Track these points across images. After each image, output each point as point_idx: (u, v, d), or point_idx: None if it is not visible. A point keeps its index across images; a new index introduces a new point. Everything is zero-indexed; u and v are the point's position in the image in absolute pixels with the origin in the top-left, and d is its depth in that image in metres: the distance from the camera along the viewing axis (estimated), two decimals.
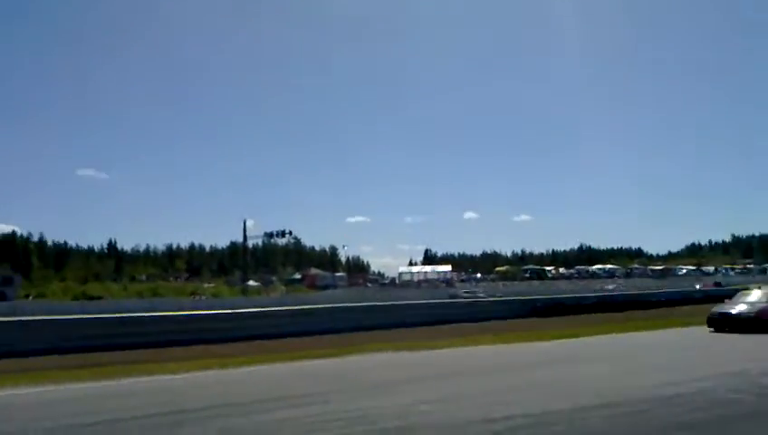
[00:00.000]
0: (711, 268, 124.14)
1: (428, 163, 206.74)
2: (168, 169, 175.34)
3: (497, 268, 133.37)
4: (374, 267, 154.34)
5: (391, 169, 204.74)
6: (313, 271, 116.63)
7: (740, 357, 13.37)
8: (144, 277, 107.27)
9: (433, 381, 10.83)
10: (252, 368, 12.97)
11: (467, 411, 7.95)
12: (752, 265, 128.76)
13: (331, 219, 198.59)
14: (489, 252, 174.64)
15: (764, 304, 19.10)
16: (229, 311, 24.06)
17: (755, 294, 20.23)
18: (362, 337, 19.31)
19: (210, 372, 12.25)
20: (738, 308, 19.47)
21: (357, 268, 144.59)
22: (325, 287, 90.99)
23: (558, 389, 9.70)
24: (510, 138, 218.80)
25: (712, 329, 19.38)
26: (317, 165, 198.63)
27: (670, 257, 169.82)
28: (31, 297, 64.52)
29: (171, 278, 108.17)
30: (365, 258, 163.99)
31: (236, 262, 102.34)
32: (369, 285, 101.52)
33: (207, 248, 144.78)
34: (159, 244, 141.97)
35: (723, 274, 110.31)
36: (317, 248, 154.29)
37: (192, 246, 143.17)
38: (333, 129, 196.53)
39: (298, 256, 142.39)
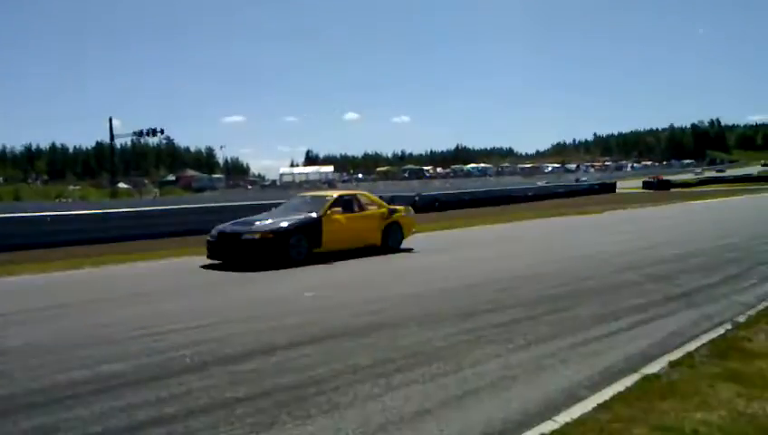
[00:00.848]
0: (573, 166, 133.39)
1: (308, 63, 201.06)
2: (25, 62, 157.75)
3: (378, 168, 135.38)
4: (254, 169, 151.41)
5: (269, 68, 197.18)
6: (189, 172, 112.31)
7: (597, 241, 14.68)
8: (1, 180, 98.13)
9: (317, 271, 10.97)
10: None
11: (349, 295, 8.20)
12: (609, 163, 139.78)
13: (205, 119, 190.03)
14: (371, 153, 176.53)
15: None
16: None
17: None
18: None
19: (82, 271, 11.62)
20: None
21: (236, 170, 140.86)
22: (202, 189, 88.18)
23: (432, 274, 10.19)
24: (390, 38, 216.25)
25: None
26: (189, 62, 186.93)
27: (538, 156, 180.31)
28: None
29: (30, 181, 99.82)
30: (244, 160, 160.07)
31: (104, 164, 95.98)
32: (250, 187, 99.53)
33: (71, 150, 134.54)
34: (17, 144, 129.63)
35: (584, 170, 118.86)
36: (192, 150, 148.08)
37: (54, 147, 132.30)
38: (204, 23, 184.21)
39: (172, 157, 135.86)
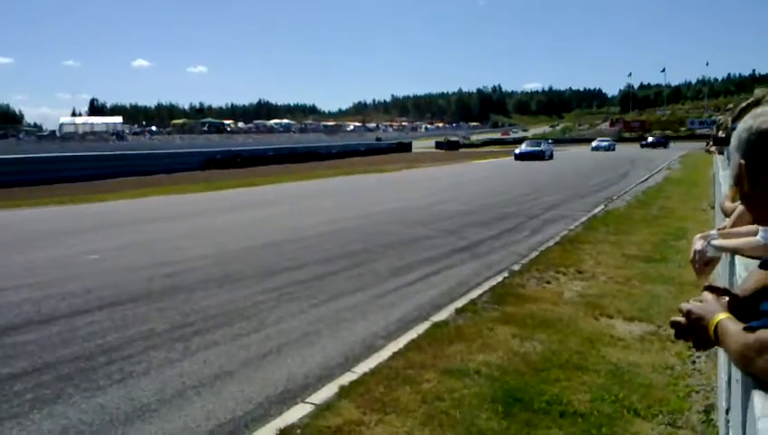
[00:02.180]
0: (374, 125, 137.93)
1: (89, 1, 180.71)
2: None
3: (174, 121, 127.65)
4: (30, 118, 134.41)
5: (42, 4, 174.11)
6: None
7: (393, 198, 15.40)
8: None
9: (105, 231, 10.11)
10: None
11: (139, 257, 7.69)
12: (406, 124, 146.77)
13: None
14: (165, 104, 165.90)
15: None
16: None
17: None
18: (23, 192, 16.99)
19: None
20: None
21: (7, 119, 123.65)
22: None
23: (230, 233, 9.95)
24: None
25: None
26: None
27: (340, 114, 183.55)
28: None
29: None
30: (17, 107, 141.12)
31: None
32: (22, 137, 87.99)
33: None
34: None
35: (383, 130, 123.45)
36: None
37: None
38: None
39: None
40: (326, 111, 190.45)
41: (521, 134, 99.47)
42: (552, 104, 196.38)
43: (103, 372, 3.88)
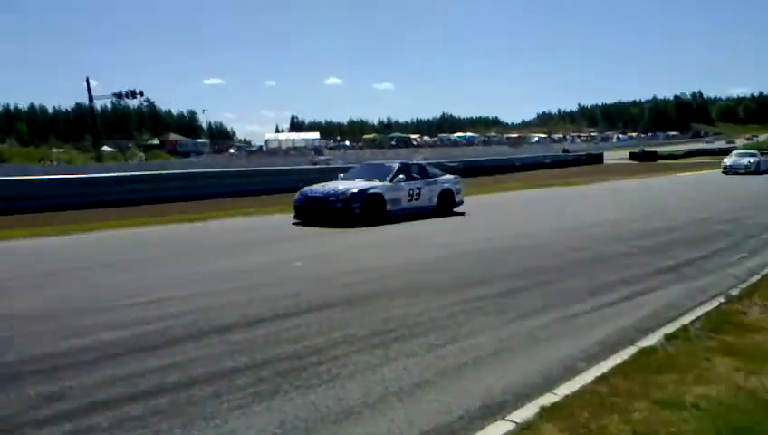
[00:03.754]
0: (560, 136, 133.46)
1: (286, 25, 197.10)
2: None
3: (365, 136, 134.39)
4: (240, 135, 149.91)
5: (247, 30, 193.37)
6: (173, 136, 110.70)
7: (587, 212, 14.70)
8: None
9: (308, 239, 10.90)
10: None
11: (332, 266, 8.14)
12: (595, 133, 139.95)
13: (185, 81, 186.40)
14: (356, 120, 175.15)
15: None
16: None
17: None
18: (240, 202, 18.94)
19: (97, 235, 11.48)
20: None
21: (220, 135, 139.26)
22: (186, 154, 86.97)
23: (423, 243, 10.15)
24: (370, 3, 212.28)
25: None
26: (167, 23, 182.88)
27: (524, 126, 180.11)
28: None
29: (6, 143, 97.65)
30: (228, 125, 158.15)
31: (86, 126, 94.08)
32: (234, 151, 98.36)
33: (50, 110, 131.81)
34: None
35: (570, 141, 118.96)
36: (174, 113, 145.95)
37: (33, 108, 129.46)
38: None
39: (154, 120, 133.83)
40: (509, 123, 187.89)
41: (722, 145, 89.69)
42: (765, 110, 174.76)
43: (313, 371, 4.14)
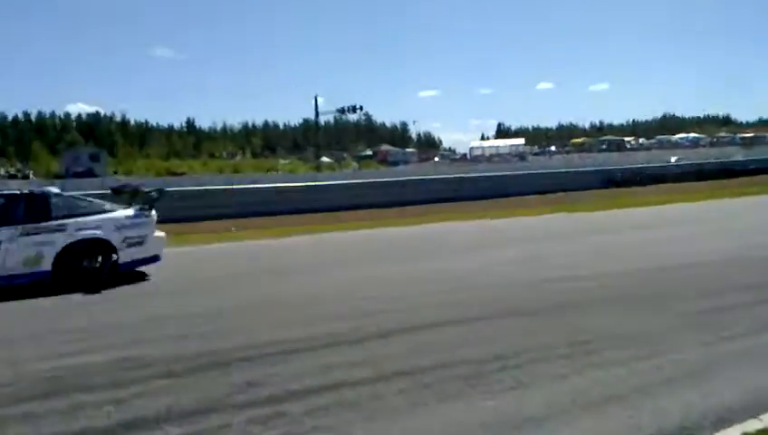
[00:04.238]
0: None
1: (498, 31, 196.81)
2: (240, 47, 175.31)
3: (573, 140, 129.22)
4: (445, 143, 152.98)
5: (461, 40, 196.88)
6: (384, 147, 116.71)
7: None
8: (224, 154, 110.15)
9: (509, 244, 10.92)
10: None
11: (537, 272, 8.06)
12: None
13: (401, 94, 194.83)
14: (565, 124, 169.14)
15: None
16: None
17: None
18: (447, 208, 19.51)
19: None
20: None
21: (427, 144, 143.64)
22: (396, 163, 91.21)
23: (633, 251, 9.60)
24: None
25: None
26: (385, 39, 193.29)
27: (761, 124, 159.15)
28: (117, 173, 67.48)
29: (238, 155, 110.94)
30: (436, 134, 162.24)
31: (309, 139, 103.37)
32: (438, 159, 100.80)
33: (281, 126, 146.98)
34: (235, 121, 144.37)
35: None
36: (388, 125, 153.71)
37: (266, 124, 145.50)
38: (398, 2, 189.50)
39: (369, 132, 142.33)
40: (743, 122, 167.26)
41: None
42: None
43: (497, 377, 4.18)
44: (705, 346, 4.71)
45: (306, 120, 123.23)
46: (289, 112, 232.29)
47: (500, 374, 4.21)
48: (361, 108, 69.20)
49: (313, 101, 67.39)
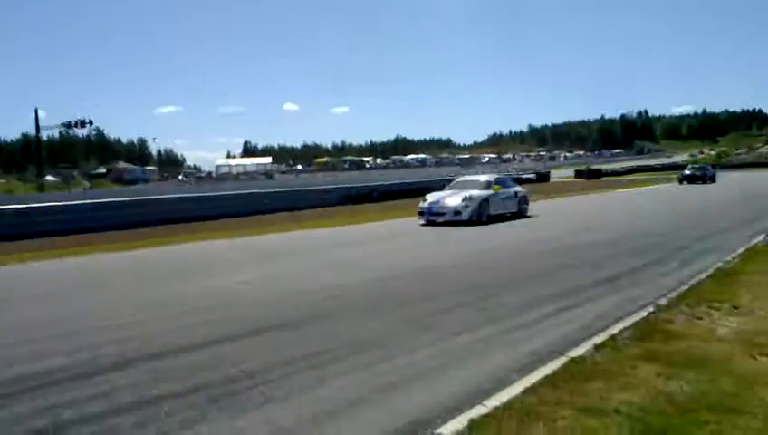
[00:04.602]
0: (510, 156, 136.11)
1: (244, 51, 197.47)
2: None
3: (317, 160, 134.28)
4: (189, 161, 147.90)
5: (204, 58, 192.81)
6: (121, 164, 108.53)
7: (525, 230, 15.00)
8: None
9: (255, 262, 10.84)
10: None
11: (284, 287, 8.14)
12: (543, 153, 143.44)
13: (138, 110, 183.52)
14: (310, 144, 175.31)
15: None
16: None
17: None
18: (183, 228, 18.63)
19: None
20: None
21: (170, 162, 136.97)
22: (133, 181, 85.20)
23: (368, 263, 10.22)
24: (327, 27, 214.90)
25: None
26: (119, 52, 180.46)
27: (475, 147, 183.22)
28: None
29: None
30: (179, 151, 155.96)
31: (32, 157, 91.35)
32: (183, 178, 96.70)
33: None
34: None
35: (519, 160, 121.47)
36: (124, 141, 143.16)
37: None
38: (135, 13, 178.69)
39: (103, 149, 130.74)
40: (461, 144, 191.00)
41: (663, 161, 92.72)
42: (706, 127, 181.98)
43: (247, 395, 4.12)
44: (432, 344, 5.20)
45: (26, 136, 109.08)
46: (4, 128, 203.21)
47: (249, 392, 4.16)
48: (91, 122, 63.04)
49: (34, 114, 59.67)
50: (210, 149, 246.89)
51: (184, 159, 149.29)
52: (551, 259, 9.78)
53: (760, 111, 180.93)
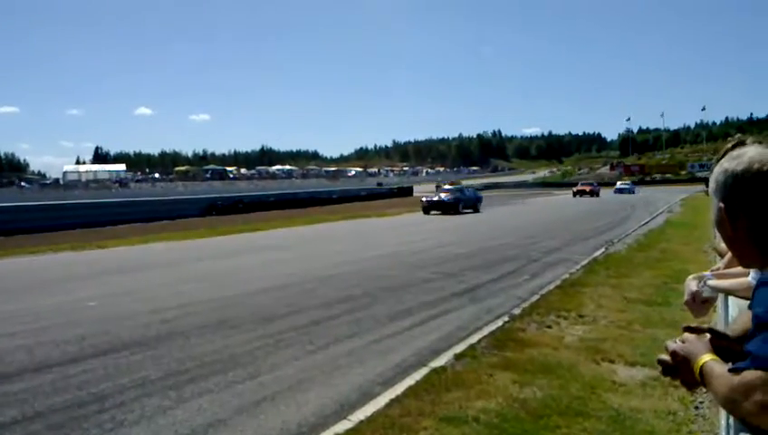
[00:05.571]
0: (375, 170, 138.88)
1: (93, 49, 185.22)
2: None
3: (177, 168, 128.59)
4: (35, 166, 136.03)
5: (45, 55, 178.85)
6: None
7: (393, 242, 15.36)
8: None
9: (105, 277, 10.09)
10: None
11: (137, 304, 7.64)
12: (407, 168, 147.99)
13: None
14: (168, 151, 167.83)
15: None
16: None
17: None
18: (24, 239, 17.01)
19: None
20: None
21: (12, 168, 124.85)
22: None
23: (231, 278, 9.91)
24: (185, 30, 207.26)
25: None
26: None
27: (342, 160, 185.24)
28: None
29: None
30: (22, 156, 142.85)
31: None
32: (26, 185, 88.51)
33: None
34: None
35: (384, 175, 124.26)
36: None
37: None
38: None
39: None
40: (328, 157, 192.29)
41: (515, 179, 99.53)
42: (552, 149, 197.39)
43: (95, 420, 3.80)
44: (297, 360, 5.12)
45: None
46: None
47: (99, 416, 3.84)
48: None
49: None
50: (57, 153, 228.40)
51: (27, 165, 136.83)
52: (416, 272, 10.04)
53: (599, 134, 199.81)
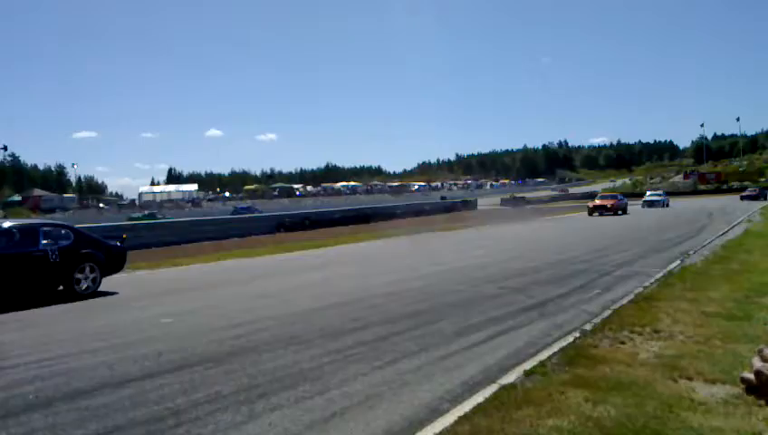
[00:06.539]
0: (438, 184, 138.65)
1: (165, 75, 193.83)
2: None
3: (246, 187, 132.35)
4: (111, 188, 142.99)
5: (121, 81, 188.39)
6: (38, 192, 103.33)
7: (458, 257, 15.25)
8: None
9: (180, 295, 10.47)
10: None
11: (208, 320, 7.88)
12: (470, 181, 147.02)
13: (54, 135, 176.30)
14: (238, 171, 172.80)
15: None
16: None
17: None
18: None
19: None
20: None
21: (91, 189, 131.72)
22: (51, 210, 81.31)
23: (298, 293, 10.07)
24: (253, 53, 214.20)
25: None
26: (33, 75, 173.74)
27: (405, 175, 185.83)
28: None
29: None
30: (100, 178, 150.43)
31: None
32: (105, 206, 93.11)
33: None
34: None
35: (447, 188, 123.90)
36: (41, 167, 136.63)
37: None
38: (43, 34, 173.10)
39: (18, 176, 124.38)
40: (391, 172, 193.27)
41: (583, 190, 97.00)
42: (621, 158, 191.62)
43: (171, 434, 3.94)
44: (365, 375, 5.15)
45: None
46: None
47: (175, 430, 3.97)
48: (5, 147, 60.15)
49: None
50: (133, 175, 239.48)
51: (105, 187, 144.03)
52: (483, 287, 9.93)
53: (671, 142, 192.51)
